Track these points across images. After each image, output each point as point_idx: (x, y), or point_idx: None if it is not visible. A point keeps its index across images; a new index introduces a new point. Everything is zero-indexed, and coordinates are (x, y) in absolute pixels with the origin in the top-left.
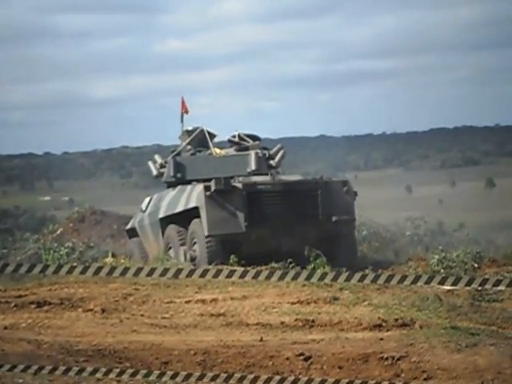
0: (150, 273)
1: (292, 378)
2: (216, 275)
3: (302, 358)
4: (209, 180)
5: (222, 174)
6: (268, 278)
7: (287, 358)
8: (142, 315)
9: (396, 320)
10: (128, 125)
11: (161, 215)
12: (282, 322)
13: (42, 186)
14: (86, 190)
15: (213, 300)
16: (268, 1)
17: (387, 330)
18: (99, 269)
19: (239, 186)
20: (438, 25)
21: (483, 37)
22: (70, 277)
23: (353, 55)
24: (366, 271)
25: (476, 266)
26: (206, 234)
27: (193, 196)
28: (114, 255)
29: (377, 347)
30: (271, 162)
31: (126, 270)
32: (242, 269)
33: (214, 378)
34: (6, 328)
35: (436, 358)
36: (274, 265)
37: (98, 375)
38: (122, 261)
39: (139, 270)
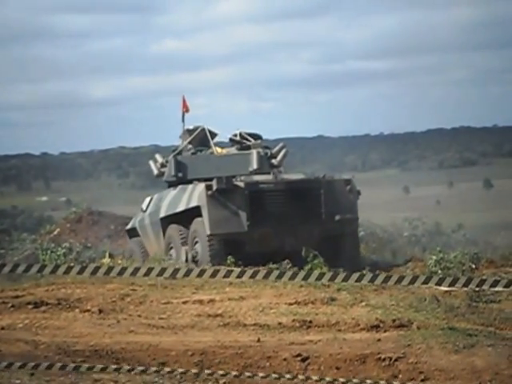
0: (148, 273)
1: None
2: (213, 275)
3: (299, 358)
4: (210, 179)
5: (223, 173)
6: (265, 277)
7: (285, 359)
8: (139, 316)
9: (393, 321)
10: (125, 125)
11: (162, 215)
12: (280, 323)
13: (39, 186)
14: (83, 191)
15: (210, 301)
16: (265, 1)
17: (385, 331)
18: (96, 269)
19: (241, 185)
20: (436, 25)
21: (480, 38)
22: (67, 277)
23: (350, 56)
24: (364, 272)
25: (474, 266)
26: (208, 233)
27: (194, 195)
28: (111, 256)
29: (374, 348)
30: (273, 160)
31: (123, 269)
32: (240, 269)
33: (211, 374)
34: (3, 328)
35: (433, 359)
36: (271, 266)
37: (95, 376)
38: (120, 261)
39: (136, 269)
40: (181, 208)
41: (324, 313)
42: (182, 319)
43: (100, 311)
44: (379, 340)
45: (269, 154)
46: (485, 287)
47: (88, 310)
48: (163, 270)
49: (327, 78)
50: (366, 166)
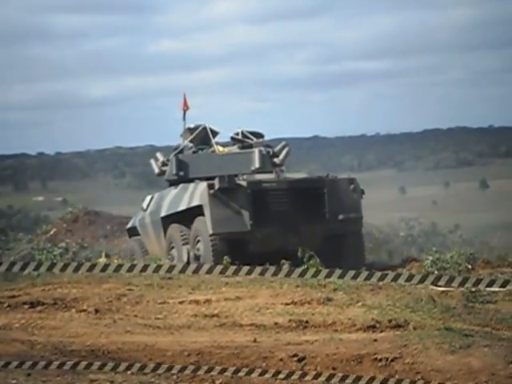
0: (144, 269)
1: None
2: (209, 271)
3: (295, 359)
4: (211, 178)
5: (225, 172)
6: (261, 274)
7: (281, 359)
8: (135, 316)
9: (390, 321)
10: (121, 125)
11: (163, 214)
12: (276, 323)
13: (35, 186)
14: (80, 191)
15: (206, 301)
16: (262, 2)
17: (381, 331)
18: (92, 266)
19: (244, 184)
20: (432, 26)
21: (476, 38)
22: (63, 277)
23: (347, 56)
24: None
25: (470, 267)
26: (211, 232)
27: (196, 194)
28: (107, 255)
29: (370, 348)
30: (275, 159)
31: (119, 267)
32: (235, 267)
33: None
34: None
35: (430, 360)
36: (267, 266)
37: (92, 376)
38: (116, 261)
39: (132, 267)
40: (182, 207)
41: (320, 313)
42: (179, 319)
43: (96, 311)
44: (375, 340)
45: (271, 152)
46: (481, 287)
47: (84, 310)
48: (159, 267)
49: (323, 78)
50: (362, 166)
